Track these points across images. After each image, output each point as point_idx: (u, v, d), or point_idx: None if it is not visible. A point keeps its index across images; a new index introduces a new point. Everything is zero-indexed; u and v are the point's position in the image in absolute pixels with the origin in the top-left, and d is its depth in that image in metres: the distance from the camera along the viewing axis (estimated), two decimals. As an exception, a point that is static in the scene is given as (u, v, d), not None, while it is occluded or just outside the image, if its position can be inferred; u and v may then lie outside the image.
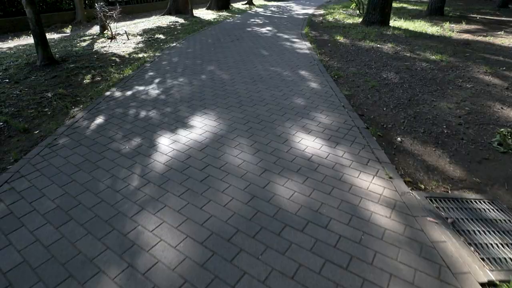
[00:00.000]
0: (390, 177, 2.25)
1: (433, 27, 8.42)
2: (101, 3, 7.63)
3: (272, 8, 14.69)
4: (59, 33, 10.12)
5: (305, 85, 4.25)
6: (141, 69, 5.31)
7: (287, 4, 16.66)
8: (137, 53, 6.46)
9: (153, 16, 13.50)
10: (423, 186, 2.22)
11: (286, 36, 7.77)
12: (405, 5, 14.42)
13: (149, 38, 8.07)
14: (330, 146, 2.68)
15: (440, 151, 2.67)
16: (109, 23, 8.20)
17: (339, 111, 3.40)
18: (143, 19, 12.45)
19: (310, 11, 13.31)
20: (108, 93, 4.22)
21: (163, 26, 10.14)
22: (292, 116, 3.29)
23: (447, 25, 8.70)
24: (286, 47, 6.64)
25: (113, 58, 6.12)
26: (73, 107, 3.85)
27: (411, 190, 2.15)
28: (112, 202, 2.13)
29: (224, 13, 13.15)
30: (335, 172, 2.33)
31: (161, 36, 8.27)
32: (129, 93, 4.18)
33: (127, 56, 6.30)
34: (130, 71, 5.18)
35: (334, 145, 2.70)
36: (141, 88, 4.36)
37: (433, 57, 5.43)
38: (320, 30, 8.64)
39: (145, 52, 6.53)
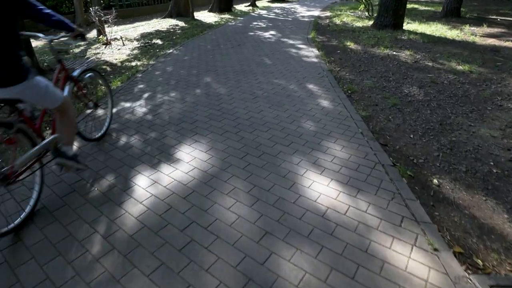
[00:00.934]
0: (435, 249, 1.66)
1: (452, 30, 7.77)
2: (96, 7, 7.15)
3: (276, 10, 14.13)
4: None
5: (315, 103, 3.67)
6: (131, 80, 4.79)
7: (291, 6, 16.08)
8: (130, 61, 5.94)
9: (154, 19, 13.04)
10: (480, 262, 1.63)
11: (291, 42, 7.19)
12: (416, 6, 13.74)
13: (146, 43, 7.57)
14: (349, 195, 2.10)
15: (492, 201, 2.07)
16: (105, 27, 7.73)
17: (357, 139, 2.82)
18: (143, 23, 12.00)
19: (316, 13, 12.72)
20: (89, 110, 3.69)
21: (162, 30, 9.65)
22: (300, 146, 2.71)
23: (467, 28, 8.05)
24: (291, 54, 6.07)
25: (104, 66, 5.61)
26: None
27: (466, 271, 1.56)
28: (58, 281, 1.58)
29: (226, 16, 12.62)
30: (360, 238, 1.75)
31: (159, 41, 7.76)
32: (112, 111, 3.65)
33: (119, 64, 5.79)
34: (118, 82, 4.66)
35: (355, 192, 2.12)
36: (127, 105, 3.82)
37: (460, 67, 4.81)
38: (327, 35, 8.05)
39: (139, 60, 6.01)
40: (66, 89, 2.36)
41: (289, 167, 2.42)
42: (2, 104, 1.79)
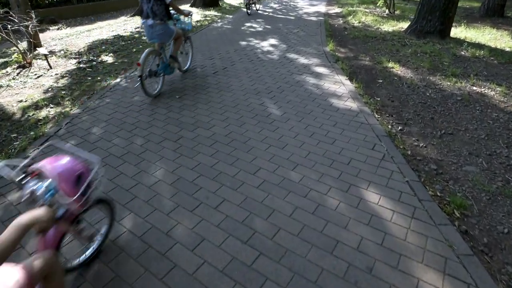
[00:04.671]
0: None
1: (521, 39, 5.60)
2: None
3: (273, 5, 11.59)
4: (-25, 47, 7.09)
5: (410, 283, 1.42)
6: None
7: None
8: (42, 107, 3.53)
9: (122, 17, 10.46)
10: None
11: (303, 61, 4.84)
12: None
13: (89, 62, 5.12)
14: None
15: None
16: (33, 39, 5.21)
17: None
18: (105, 23, 9.42)
19: (322, 8, 10.29)
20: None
21: (124, 35, 7.16)
22: None
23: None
24: (309, 89, 3.75)
25: (-15, 123, 3.21)
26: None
27: None
28: None
29: (212, 12, 10.10)
30: None
31: (109, 59, 5.31)
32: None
33: (18, 115, 3.38)
34: (-23, 180, 2.30)
35: None
36: None
37: None
38: (349, 45, 5.73)
39: (58, 103, 3.60)
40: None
41: None
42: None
